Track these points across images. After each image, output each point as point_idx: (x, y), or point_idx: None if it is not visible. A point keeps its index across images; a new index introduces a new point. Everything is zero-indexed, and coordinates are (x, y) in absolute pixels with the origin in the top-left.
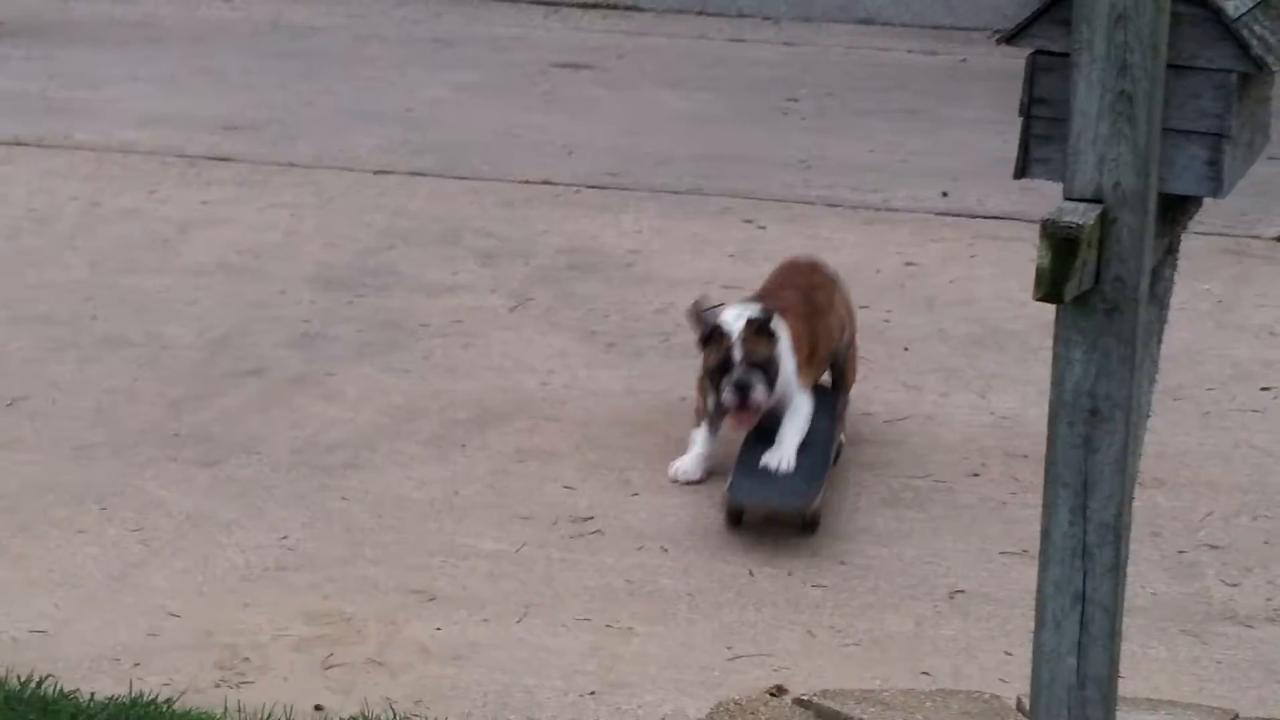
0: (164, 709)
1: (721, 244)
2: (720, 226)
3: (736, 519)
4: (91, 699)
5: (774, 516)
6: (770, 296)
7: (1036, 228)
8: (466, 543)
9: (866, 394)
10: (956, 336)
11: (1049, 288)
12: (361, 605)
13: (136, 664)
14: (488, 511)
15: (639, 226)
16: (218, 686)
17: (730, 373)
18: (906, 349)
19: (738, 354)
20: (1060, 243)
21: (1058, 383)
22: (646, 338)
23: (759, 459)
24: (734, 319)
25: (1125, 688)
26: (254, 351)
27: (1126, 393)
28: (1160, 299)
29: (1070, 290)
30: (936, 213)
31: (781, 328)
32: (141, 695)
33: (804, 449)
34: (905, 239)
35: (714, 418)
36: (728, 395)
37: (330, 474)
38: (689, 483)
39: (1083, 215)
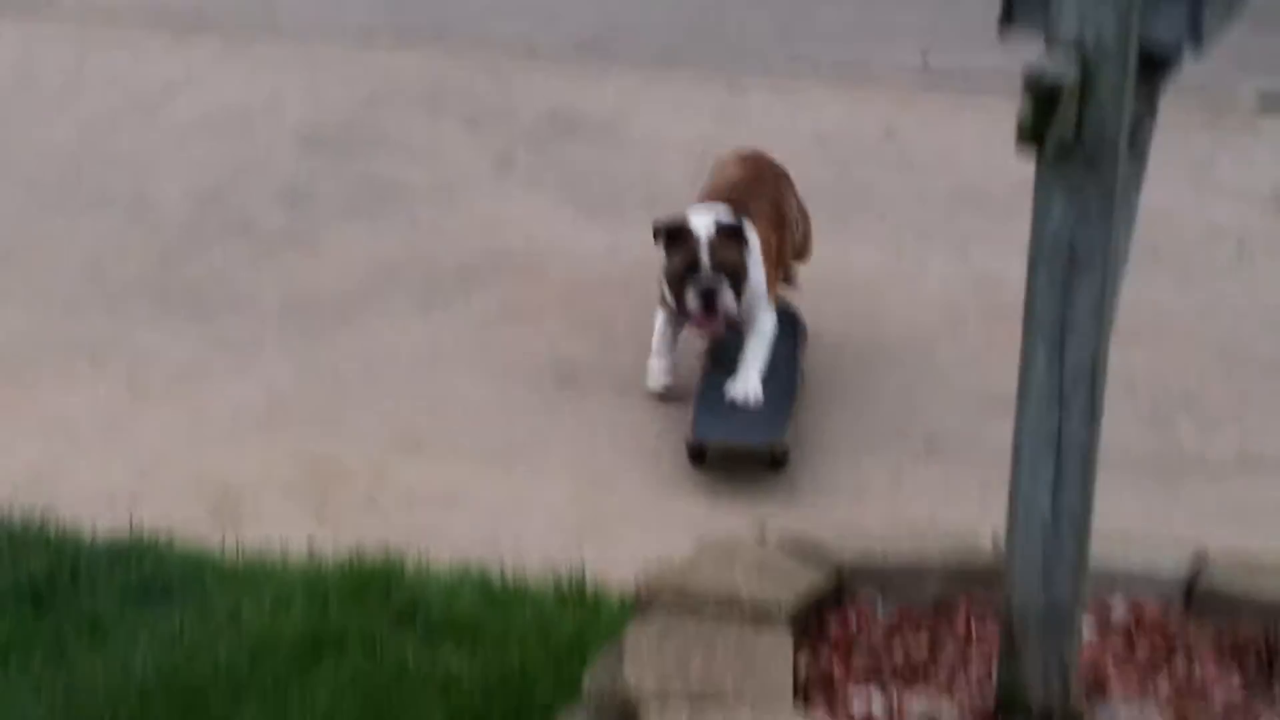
0: (163, 546)
1: (703, 108)
2: (702, 92)
3: (699, 457)
4: (93, 534)
5: (738, 453)
6: (738, 201)
7: (1017, 92)
8: (453, 394)
9: (848, 253)
10: (937, 198)
11: (1030, 137)
12: (351, 452)
13: (132, 506)
14: (473, 365)
15: (621, 91)
16: (210, 528)
17: (697, 276)
18: (887, 210)
19: (705, 257)
20: (1041, 93)
21: (1037, 231)
22: (629, 199)
23: (720, 392)
24: (702, 221)
25: (1097, 532)
26: (241, 210)
27: (1104, 241)
28: (1139, 151)
29: (1050, 140)
30: (918, 77)
31: (752, 234)
32: (141, 532)
33: (768, 377)
34: (886, 103)
35: (675, 322)
36: (693, 301)
37: (318, 328)
38: (657, 391)
39: (1064, 67)
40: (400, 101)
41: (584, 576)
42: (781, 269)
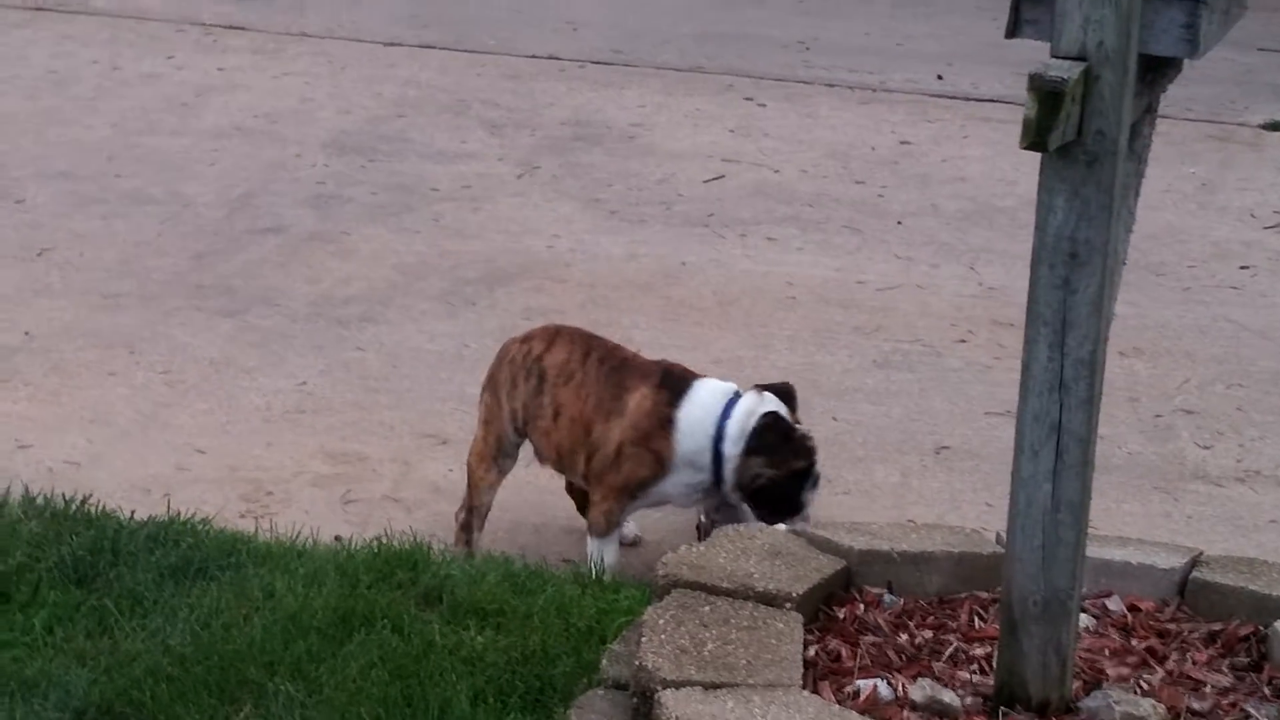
0: (200, 528)
1: (721, 119)
2: (720, 103)
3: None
4: (131, 516)
5: None
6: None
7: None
8: (476, 392)
9: (860, 264)
10: (948, 212)
11: (1034, 137)
12: (377, 447)
13: (166, 494)
14: None
15: (642, 101)
16: (243, 516)
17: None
18: (900, 223)
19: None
20: (1046, 95)
21: (1040, 228)
22: (648, 206)
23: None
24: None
25: (1097, 534)
26: (272, 210)
27: (1104, 238)
28: (1138, 154)
29: (1054, 140)
30: (931, 94)
31: None
32: (178, 515)
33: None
34: (900, 119)
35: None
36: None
37: (346, 326)
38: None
39: (1067, 71)
40: (426, 108)
41: (603, 565)
42: None
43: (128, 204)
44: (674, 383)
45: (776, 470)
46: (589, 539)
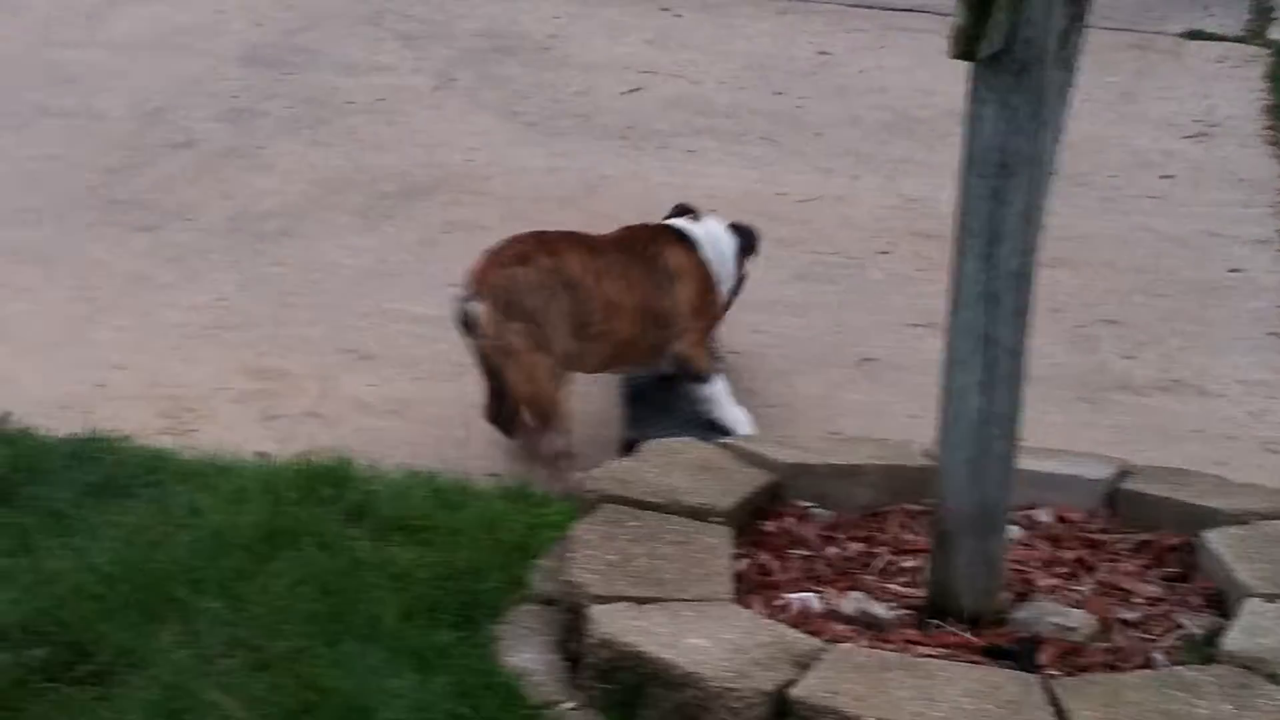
0: (120, 445)
1: (638, 30)
2: (637, 14)
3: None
4: (51, 434)
5: None
6: None
7: (947, 21)
8: (397, 307)
9: (779, 176)
10: (867, 123)
11: (964, 45)
12: (297, 362)
13: (85, 412)
14: (416, 278)
15: (557, 12)
16: (164, 434)
17: None
18: (818, 134)
19: None
20: (975, 2)
21: (970, 138)
22: (566, 118)
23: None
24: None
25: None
26: (185, 124)
27: (1033, 149)
28: (1067, 62)
29: (984, 49)
30: (849, 4)
31: None
32: (98, 432)
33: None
34: (818, 29)
35: None
36: None
37: (263, 241)
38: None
39: None
40: (340, 20)
41: (529, 480)
42: None
43: (37, 117)
44: (682, 234)
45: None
46: (708, 394)
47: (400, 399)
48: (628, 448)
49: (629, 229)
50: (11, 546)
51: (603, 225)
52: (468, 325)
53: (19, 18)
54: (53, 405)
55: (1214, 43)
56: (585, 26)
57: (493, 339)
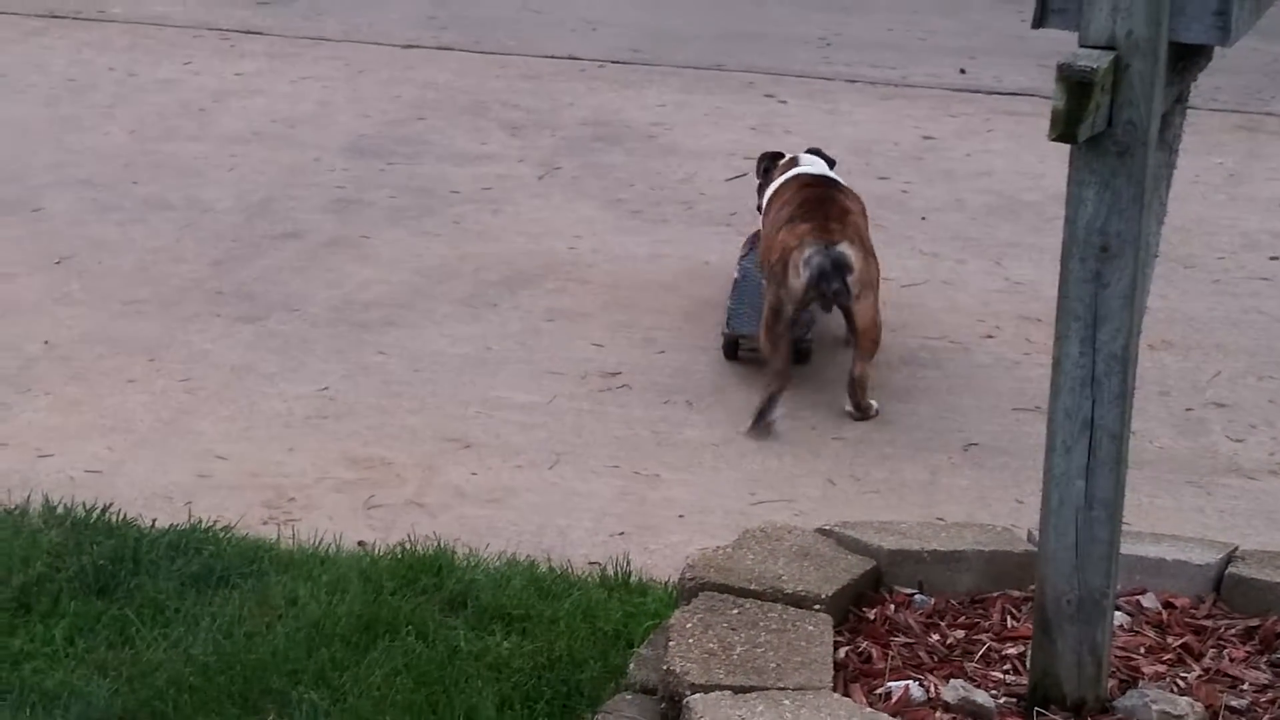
0: (221, 536)
1: (743, 117)
2: (741, 101)
3: (732, 350)
4: (153, 525)
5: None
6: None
7: (1049, 104)
8: (499, 395)
9: (885, 260)
10: (973, 207)
11: (1063, 128)
12: (400, 452)
13: (188, 501)
14: (519, 366)
15: (662, 100)
16: (265, 523)
17: None
18: (924, 218)
19: None
20: (1075, 85)
21: (1071, 221)
22: (670, 205)
23: (756, 290)
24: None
25: (1131, 530)
26: (291, 215)
27: (1135, 230)
28: (1169, 145)
29: (1084, 131)
30: (954, 89)
31: None
32: (200, 523)
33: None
34: (923, 114)
35: None
36: None
37: (367, 330)
38: None
39: (1096, 60)
40: (445, 110)
41: (629, 567)
42: None
43: (146, 210)
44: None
45: None
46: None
47: (502, 487)
48: (731, 346)
49: (795, 196)
50: (112, 638)
51: (706, 311)
52: (837, 268)
53: (133, 113)
54: (156, 495)
55: None
56: (689, 114)
57: (861, 273)
